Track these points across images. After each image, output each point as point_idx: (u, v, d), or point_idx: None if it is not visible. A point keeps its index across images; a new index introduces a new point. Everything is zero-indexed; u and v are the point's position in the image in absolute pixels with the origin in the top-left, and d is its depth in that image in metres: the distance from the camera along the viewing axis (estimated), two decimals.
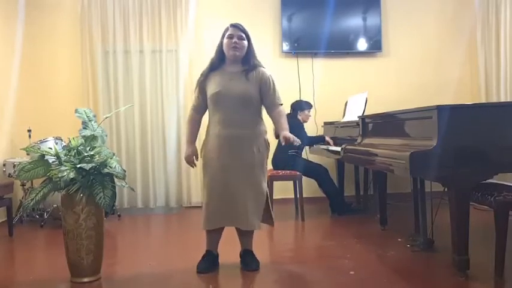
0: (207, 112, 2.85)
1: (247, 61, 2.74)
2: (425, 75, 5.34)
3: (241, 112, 2.68)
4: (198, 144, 2.88)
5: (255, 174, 2.71)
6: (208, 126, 2.81)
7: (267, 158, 2.82)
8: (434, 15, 5.40)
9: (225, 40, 2.72)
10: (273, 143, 4.41)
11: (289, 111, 4.41)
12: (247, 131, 2.70)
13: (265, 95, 2.75)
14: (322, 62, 5.28)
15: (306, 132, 4.49)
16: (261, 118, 2.80)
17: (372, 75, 5.31)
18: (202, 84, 2.79)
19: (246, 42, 2.73)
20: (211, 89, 2.72)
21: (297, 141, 2.64)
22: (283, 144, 2.68)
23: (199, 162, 2.88)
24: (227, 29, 2.75)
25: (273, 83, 2.77)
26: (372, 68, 5.34)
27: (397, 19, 5.36)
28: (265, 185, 2.77)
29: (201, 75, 2.82)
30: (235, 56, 2.72)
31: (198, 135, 2.94)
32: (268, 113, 2.81)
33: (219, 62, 2.77)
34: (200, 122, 2.91)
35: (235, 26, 2.73)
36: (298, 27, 5.21)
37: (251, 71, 2.72)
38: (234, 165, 2.66)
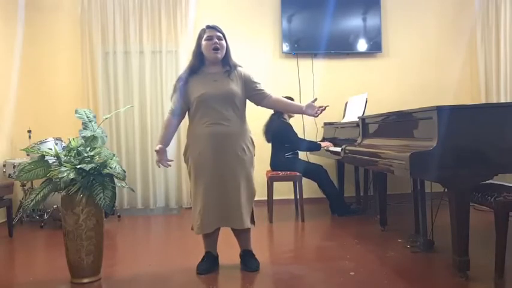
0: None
1: (227, 61, 2.76)
2: (425, 76, 5.34)
3: (228, 111, 2.69)
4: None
5: (246, 172, 2.72)
6: (191, 130, 2.77)
7: (254, 156, 2.82)
8: (434, 16, 5.40)
9: (204, 42, 2.71)
10: (268, 146, 4.47)
11: (273, 111, 4.33)
12: (235, 128, 2.70)
13: (254, 89, 2.78)
14: (322, 62, 5.28)
15: (295, 133, 4.40)
16: (245, 117, 2.81)
17: (372, 76, 5.31)
18: (183, 89, 2.76)
19: (224, 43, 2.73)
20: (196, 91, 2.70)
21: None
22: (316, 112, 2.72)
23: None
24: (204, 31, 2.74)
25: (255, 78, 2.81)
26: (372, 69, 5.34)
27: (397, 20, 5.36)
28: (254, 184, 2.78)
29: (180, 79, 2.79)
30: (216, 58, 2.71)
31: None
32: (266, 103, 2.84)
33: (198, 65, 2.76)
34: (177, 128, 2.90)
35: (212, 27, 2.73)
36: (298, 28, 5.21)
37: (232, 71, 2.75)
38: (227, 161, 2.66)
